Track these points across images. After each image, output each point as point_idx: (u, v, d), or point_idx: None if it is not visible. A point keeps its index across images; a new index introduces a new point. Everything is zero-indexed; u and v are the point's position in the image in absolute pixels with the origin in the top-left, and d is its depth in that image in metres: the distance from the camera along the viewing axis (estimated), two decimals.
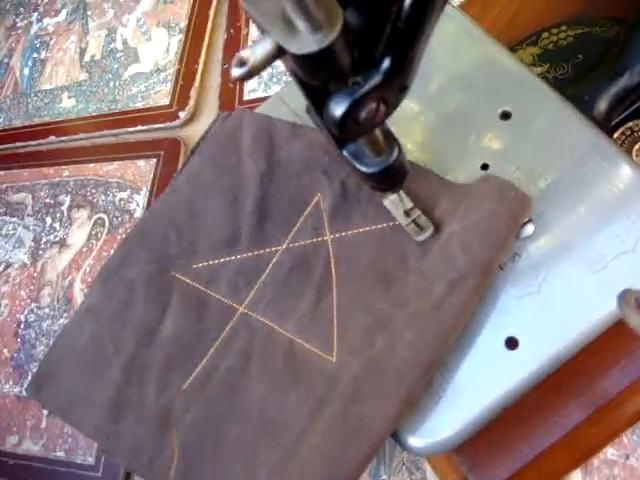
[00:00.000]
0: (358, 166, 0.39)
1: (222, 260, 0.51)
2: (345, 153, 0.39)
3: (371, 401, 0.42)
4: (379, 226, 0.49)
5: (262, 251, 0.51)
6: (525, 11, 0.66)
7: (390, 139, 0.39)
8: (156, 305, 0.51)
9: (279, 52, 0.30)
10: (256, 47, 0.30)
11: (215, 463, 0.46)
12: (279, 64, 0.76)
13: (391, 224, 0.48)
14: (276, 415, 0.45)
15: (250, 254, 0.51)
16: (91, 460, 0.69)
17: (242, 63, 0.30)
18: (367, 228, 0.49)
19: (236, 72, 0.30)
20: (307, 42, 0.28)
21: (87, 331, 0.51)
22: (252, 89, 0.80)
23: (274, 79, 0.79)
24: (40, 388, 0.52)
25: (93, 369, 0.51)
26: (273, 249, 0.50)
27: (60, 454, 0.71)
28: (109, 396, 0.49)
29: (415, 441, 0.43)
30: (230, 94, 0.81)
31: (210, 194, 0.52)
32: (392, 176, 0.40)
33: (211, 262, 0.51)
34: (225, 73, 0.83)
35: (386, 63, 0.33)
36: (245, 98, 0.80)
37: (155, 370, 0.49)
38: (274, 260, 0.50)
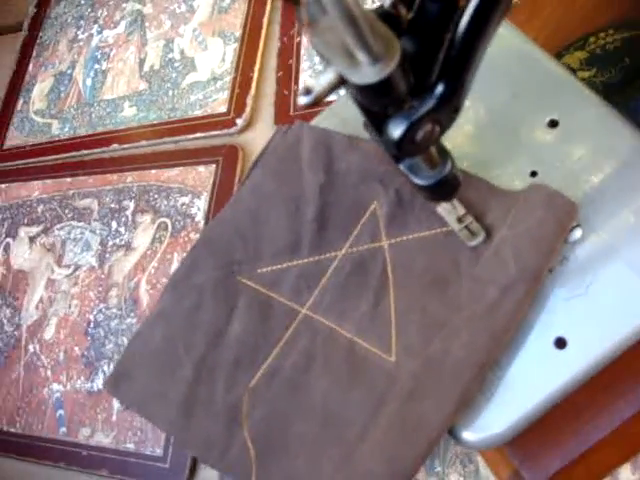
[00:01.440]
0: (414, 179, 0.41)
1: (285, 265, 0.54)
2: (402, 167, 0.42)
3: (428, 399, 0.45)
4: (433, 232, 0.51)
5: (322, 256, 0.54)
6: (572, 16, 0.67)
7: (443, 153, 0.41)
8: (223, 308, 0.54)
9: (341, 82, 0.33)
10: (321, 77, 0.33)
11: (282, 457, 0.49)
12: None
13: (444, 230, 0.51)
14: (338, 411, 0.48)
15: (311, 259, 0.54)
16: (159, 452, 0.73)
17: (308, 92, 0.33)
18: (421, 234, 0.52)
19: (302, 100, 0.33)
20: (367, 73, 0.31)
21: (159, 333, 0.55)
22: None
23: None
24: (117, 385, 0.56)
25: (166, 368, 0.54)
26: (333, 254, 0.53)
27: (130, 446, 0.75)
28: (181, 393, 0.53)
29: (469, 435, 0.46)
30: (285, 101, 0.84)
31: (273, 204, 0.56)
32: (446, 187, 0.43)
33: (274, 267, 0.54)
34: (280, 80, 0.86)
35: (440, 88, 0.35)
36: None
37: (224, 369, 0.53)
38: (334, 265, 0.53)
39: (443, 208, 0.49)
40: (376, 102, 0.35)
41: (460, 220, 0.49)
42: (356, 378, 0.49)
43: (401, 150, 0.36)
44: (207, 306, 0.54)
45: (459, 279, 0.49)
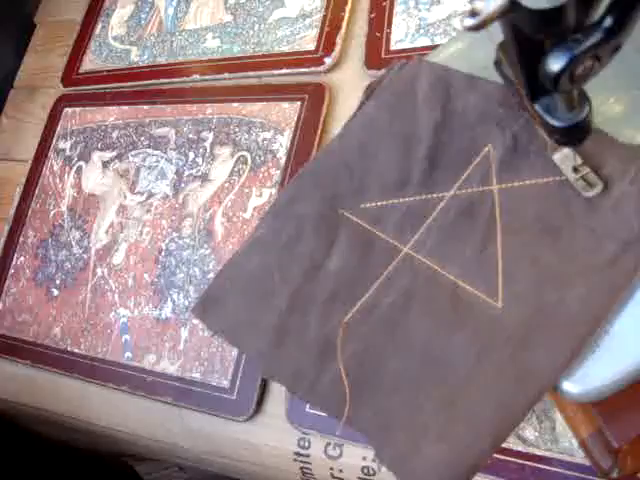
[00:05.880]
0: (549, 120, 0.40)
1: (390, 202, 0.53)
2: (537, 107, 0.40)
3: (541, 350, 0.44)
4: (546, 180, 0.50)
5: (430, 196, 0.52)
6: None
7: (584, 97, 0.40)
8: (324, 241, 0.53)
9: (512, 7, 0.31)
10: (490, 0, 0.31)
11: (377, 393, 0.48)
12: (429, 16, 0.76)
13: (558, 179, 0.49)
14: (441, 353, 0.47)
15: (418, 198, 0.52)
16: (226, 383, 0.73)
17: (474, 14, 0.32)
18: (534, 181, 0.50)
19: (468, 22, 0.32)
20: None
21: (255, 260, 0.54)
22: (399, 39, 0.80)
23: (421, 31, 0.80)
24: (206, 310, 0.55)
25: (259, 296, 0.54)
26: (440, 195, 0.52)
27: (196, 375, 0.76)
28: (273, 323, 0.52)
29: (570, 386, 0.45)
30: (377, 43, 0.81)
31: (383, 138, 0.54)
32: (578, 132, 0.42)
33: (379, 203, 0.53)
34: (372, 22, 0.83)
35: (608, 22, 0.34)
36: (392, 48, 0.80)
37: (319, 302, 0.52)
38: (441, 205, 0.52)
39: (560, 156, 0.48)
40: (542, 30, 0.34)
41: (576, 170, 0.48)
42: (459, 321, 0.48)
43: (557, 85, 0.35)
44: (307, 237, 0.53)
45: (573, 230, 0.48)
